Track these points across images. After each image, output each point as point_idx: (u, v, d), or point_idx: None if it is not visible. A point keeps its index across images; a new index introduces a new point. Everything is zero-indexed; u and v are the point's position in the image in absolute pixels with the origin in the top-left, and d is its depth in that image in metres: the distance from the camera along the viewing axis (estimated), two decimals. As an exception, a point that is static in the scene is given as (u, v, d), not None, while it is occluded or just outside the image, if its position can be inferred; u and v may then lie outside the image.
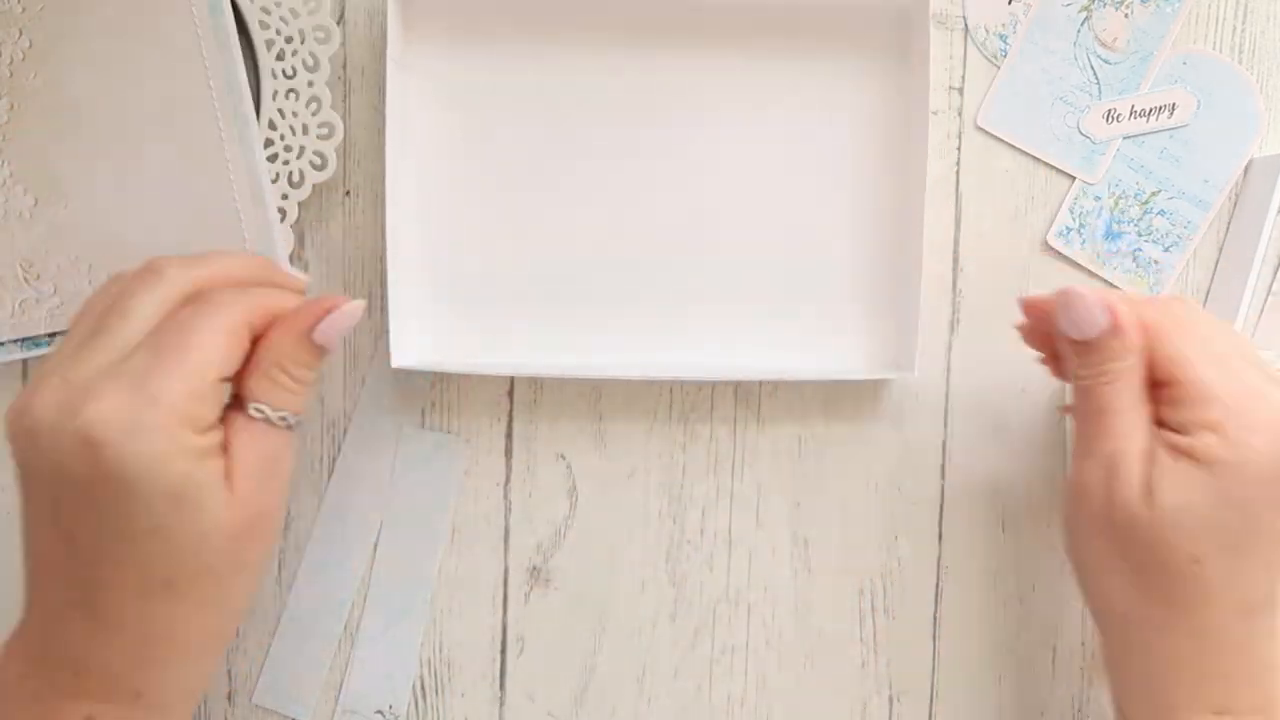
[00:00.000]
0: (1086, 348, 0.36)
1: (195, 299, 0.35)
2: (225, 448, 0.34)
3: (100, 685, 0.34)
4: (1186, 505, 0.34)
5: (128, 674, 0.34)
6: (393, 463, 0.45)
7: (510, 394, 0.45)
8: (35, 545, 0.34)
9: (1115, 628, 0.37)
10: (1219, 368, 0.34)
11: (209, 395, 0.33)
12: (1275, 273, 0.43)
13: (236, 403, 0.35)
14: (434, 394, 0.45)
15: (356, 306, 0.36)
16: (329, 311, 0.35)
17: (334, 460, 0.45)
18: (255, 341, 0.35)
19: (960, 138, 0.45)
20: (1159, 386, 0.35)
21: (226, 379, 0.34)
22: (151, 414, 0.32)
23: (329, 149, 0.43)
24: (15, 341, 0.42)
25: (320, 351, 0.36)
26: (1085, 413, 0.36)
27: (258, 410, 0.34)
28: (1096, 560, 0.36)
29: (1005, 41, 0.44)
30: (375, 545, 0.45)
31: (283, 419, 0.35)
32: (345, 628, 0.45)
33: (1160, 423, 0.35)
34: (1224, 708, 0.35)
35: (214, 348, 0.33)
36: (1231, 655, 0.35)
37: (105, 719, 0.34)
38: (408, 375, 0.44)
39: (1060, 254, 0.45)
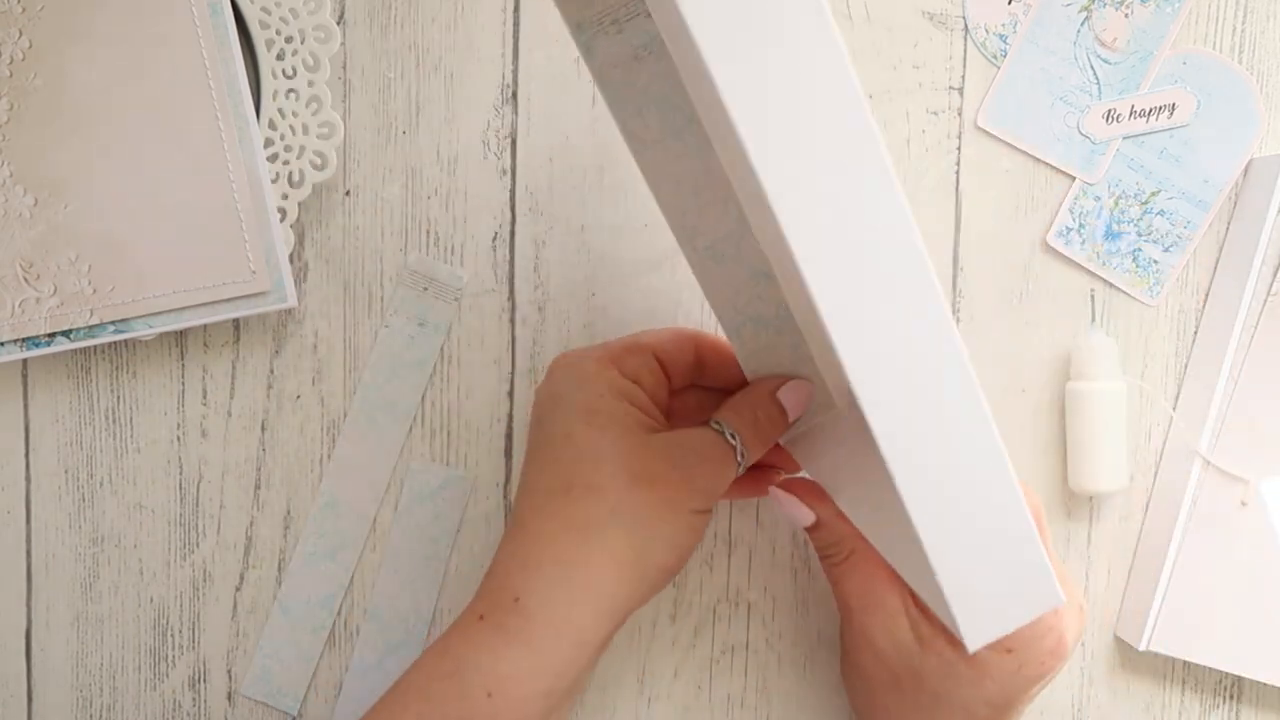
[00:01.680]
0: (809, 535, 0.40)
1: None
2: (668, 428, 0.38)
3: (493, 584, 0.36)
4: (948, 688, 0.37)
5: (514, 574, 0.35)
6: (396, 495, 0.45)
7: (510, 394, 0.45)
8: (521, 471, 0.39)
9: None
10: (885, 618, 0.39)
11: (640, 357, 0.38)
12: (1275, 273, 0.43)
13: (703, 423, 0.38)
14: (434, 392, 0.45)
15: (810, 388, 0.39)
16: (791, 383, 0.39)
17: (331, 459, 0.45)
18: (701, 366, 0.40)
19: (960, 138, 0.45)
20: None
21: (661, 362, 0.39)
22: (593, 353, 0.38)
23: (329, 149, 0.43)
24: (15, 341, 0.42)
25: (783, 411, 0.39)
26: (837, 598, 0.41)
27: (717, 424, 0.38)
28: (867, 698, 0.41)
29: (1005, 41, 0.44)
30: (374, 549, 0.45)
31: (733, 437, 0.37)
32: (334, 627, 0.45)
33: None
34: None
35: (657, 336, 0.39)
36: None
37: (491, 617, 0.35)
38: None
39: (1060, 254, 0.45)
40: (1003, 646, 0.36)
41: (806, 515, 0.39)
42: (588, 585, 0.35)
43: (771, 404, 0.38)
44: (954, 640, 0.36)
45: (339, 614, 0.45)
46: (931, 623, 0.37)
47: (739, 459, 0.37)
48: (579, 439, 0.36)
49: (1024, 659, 0.36)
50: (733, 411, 0.38)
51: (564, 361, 0.38)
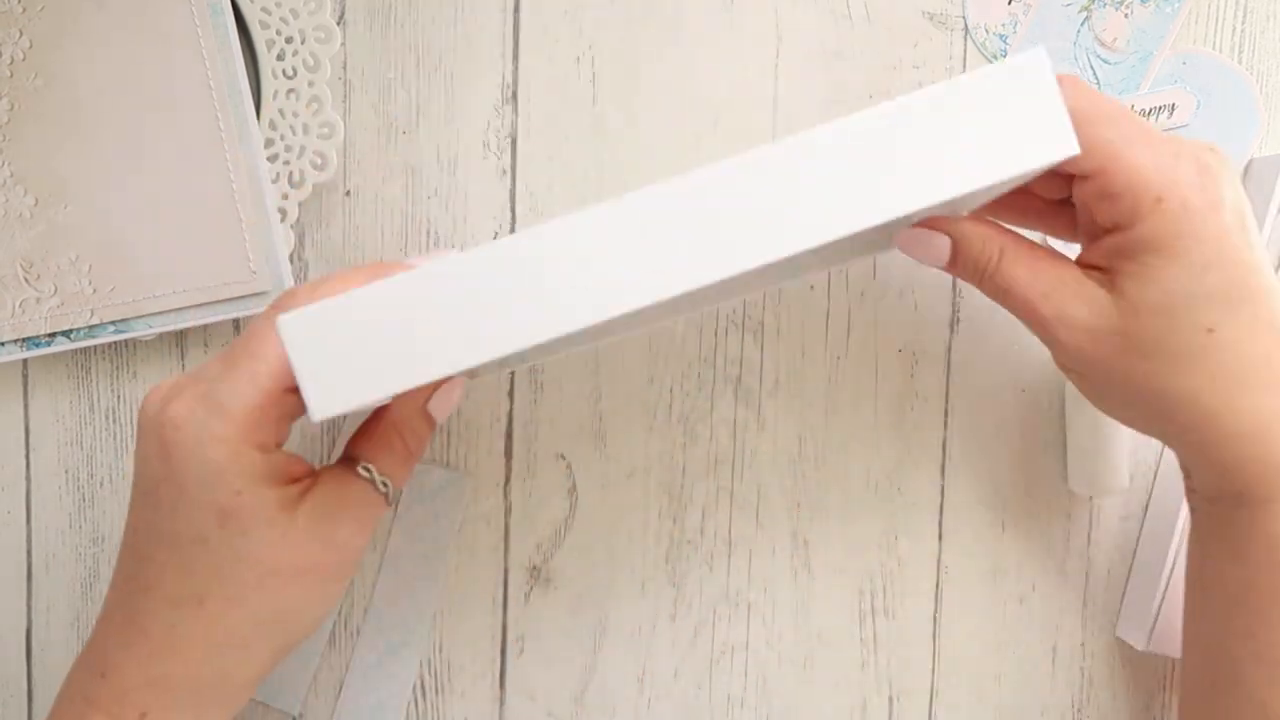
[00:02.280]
0: (952, 264, 0.36)
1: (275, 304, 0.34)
2: (309, 488, 0.34)
3: (113, 696, 0.33)
4: (1170, 292, 0.33)
5: (139, 690, 0.33)
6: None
7: (510, 394, 0.45)
8: (123, 536, 0.35)
9: (1195, 454, 0.36)
10: (1142, 146, 0.33)
11: (275, 408, 0.33)
12: (1275, 273, 0.43)
13: (345, 461, 0.36)
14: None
15: (461, 384, 0.37)
16: (443, 384, 0.36)
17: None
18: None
19: (960, 138, 0.45)
20: (1086, 180, 0.34)
21: (294, 390, 0.33)
22: (218, 423, 0.32)
23: (329, 149, 0.43)
24: (15, 341, 0.42)
25: (433, 424, 0.37)
26: (1014, 306, 0.36)
27: (365, 469, 0.35)
28: (1115, 389, 0.35)
29: (1005, 41, 0.44)
30: (377, 565, 0.45)
31: (384, 484, 0.35)
32: (334, 628, 0.45)
33: (1105, 232, 0.34)
34: None
35: (281, 357, 0.32)
36: None
37: None
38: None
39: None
40: (1151, 200, 0.33)
41: (942, 243, 0.36)
42: (224, 700, 0.34)
43: (421, 421, 0.36)
44: (1134, 243, 0.33)
45: (339, 614, 0.45)
46: (1122, 253, 0.34)
47: (389, 499, 0.36)
48: (215, 546, 0.32)
49: (1183, 195, 0.33)
50: (381, 448, 0.36)
51: (178, 437, 0.32)
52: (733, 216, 0.30)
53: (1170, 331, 0.33)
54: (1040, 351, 0.45)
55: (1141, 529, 0.45)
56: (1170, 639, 0.43)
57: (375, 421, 0.36)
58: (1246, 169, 0.44)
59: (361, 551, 0.35)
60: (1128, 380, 0.35)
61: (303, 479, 0.35)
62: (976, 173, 0.30)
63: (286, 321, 0.30)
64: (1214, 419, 0.34)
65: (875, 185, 0.30)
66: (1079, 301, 0.34)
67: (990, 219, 0.37)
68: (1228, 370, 0.34)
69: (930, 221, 0.36)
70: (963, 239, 0.36)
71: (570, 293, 0.30)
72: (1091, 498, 0.45)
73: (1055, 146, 0.30)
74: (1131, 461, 0.45)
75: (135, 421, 0.45)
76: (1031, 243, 0.36)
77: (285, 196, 0.43)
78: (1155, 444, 0.45)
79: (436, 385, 0.36)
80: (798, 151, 0.30)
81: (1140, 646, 0.43)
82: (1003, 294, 0.36)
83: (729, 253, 0.30)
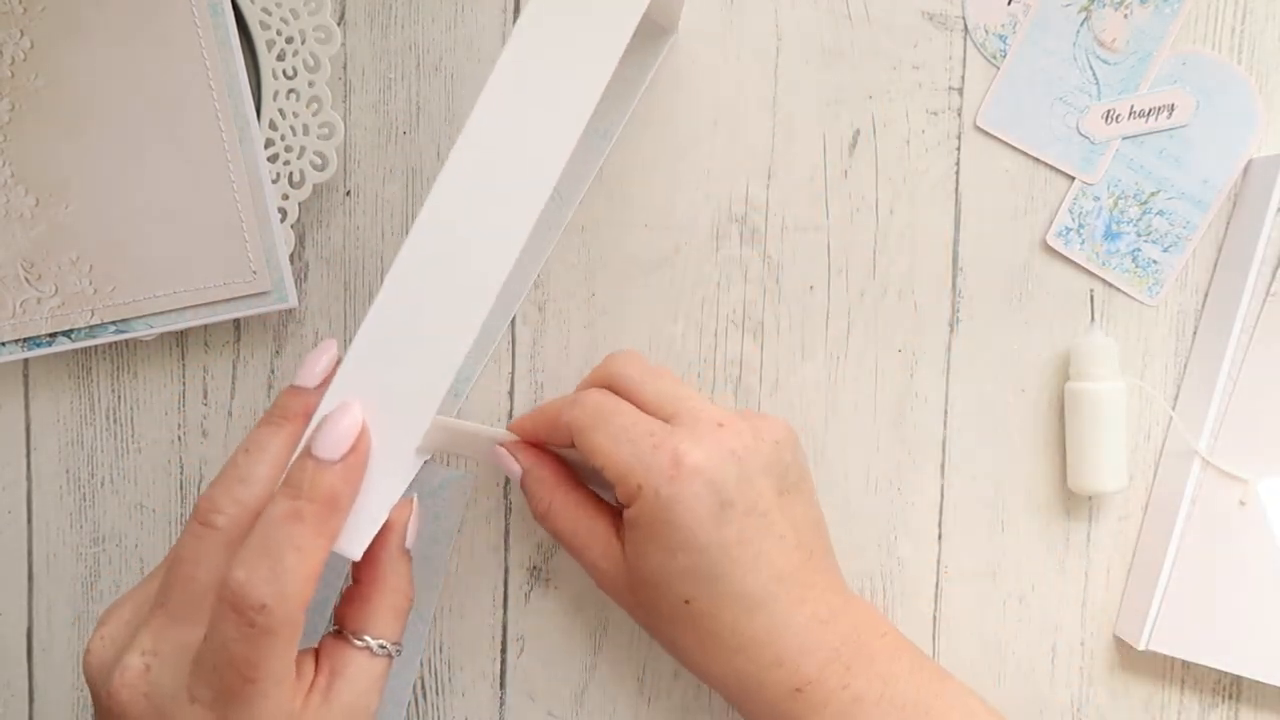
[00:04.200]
0: (520, 485, 0.40)
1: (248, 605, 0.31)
2: (324, 683, 0.34)
3: None
4: (651, 569, 0.37)
5: None
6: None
7: (511, 393, 0.45)
8: None
9: (692, 668, 0.39)
10: (625, 442, 0.36)
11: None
12: (1275, 273, 0.43)
13: (344, 637, 0.35)
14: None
15: (413, 502, 0.37)
16: (408, 518, 0.37)
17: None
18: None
19: (960, 138, 0.45)
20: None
21: None
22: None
23: (329, 149, 0.43)
24: (16, 341, 0.42)
25: (410, 558, 0.37)
26: (552, 533, 0.40)
27: (381, 646, 0.35)
28: (651, 630, 0.39)
29: (1005, 42, 0.44)
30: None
31: (383, 647, 0.35)
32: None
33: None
34: (798, 684, 0.37)
35: (285, 678, 0.32)
36: (767, 648, 0.37)
37: None
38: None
39: (1060, 254, 0.45)
40: (634, 489, 0.36)
41: (515, 469, 0.40)
42: None
43: (401, 563, 0.37)
44: (627, 522, 0.37)
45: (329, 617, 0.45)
46: (625, 526, 0.38)
47: (393, 654, 0.36)
48: None
49: (655, 486, 0.36)
50: (371, 612, 0.36)
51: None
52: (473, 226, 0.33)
53: (657, 599, 0.37)
54: (1040, 351, 0.45)
55: (1141, 529, 0.45)
56: (1170, 638, 0.43)
57: (366, 587, 0.36)
58: (1246, 169, 0.44)
59: (377, 706, 0.36)
60: (640, 622, 0.39)
61: (315, 678, 0.34)
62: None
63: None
64: (705, 675, 0.38)
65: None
66: (604, 558, 0.38)
67: (558, 462, 0.40)
68: (705, 636, 0.37)
69: (513, 446, 0.40)
70: (527, 477, 0.40)
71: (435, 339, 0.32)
72: (1091, 498, 0.45)
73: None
74: (1131, 461, 0.45)
75: (136, 421, 0.45)
76: (579, 496, 0.40)
77: (285, 196, 0.43)
78: (1155, 444, 0.45)
79: (404, 523, 0.37)
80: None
81: (1140, 646, 0.43)
82: (553, 532, 0.40)
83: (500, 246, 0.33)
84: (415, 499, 0.38)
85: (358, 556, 0.33)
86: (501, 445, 0.40)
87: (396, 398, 0.32)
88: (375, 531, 0.34)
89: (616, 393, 0.39)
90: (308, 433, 0.33)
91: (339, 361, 0.33)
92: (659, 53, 0.44)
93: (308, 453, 0.31)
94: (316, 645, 0.36)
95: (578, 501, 0.40)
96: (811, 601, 0.37)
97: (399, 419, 0.32)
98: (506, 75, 0.33)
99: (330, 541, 0.32)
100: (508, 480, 0.45)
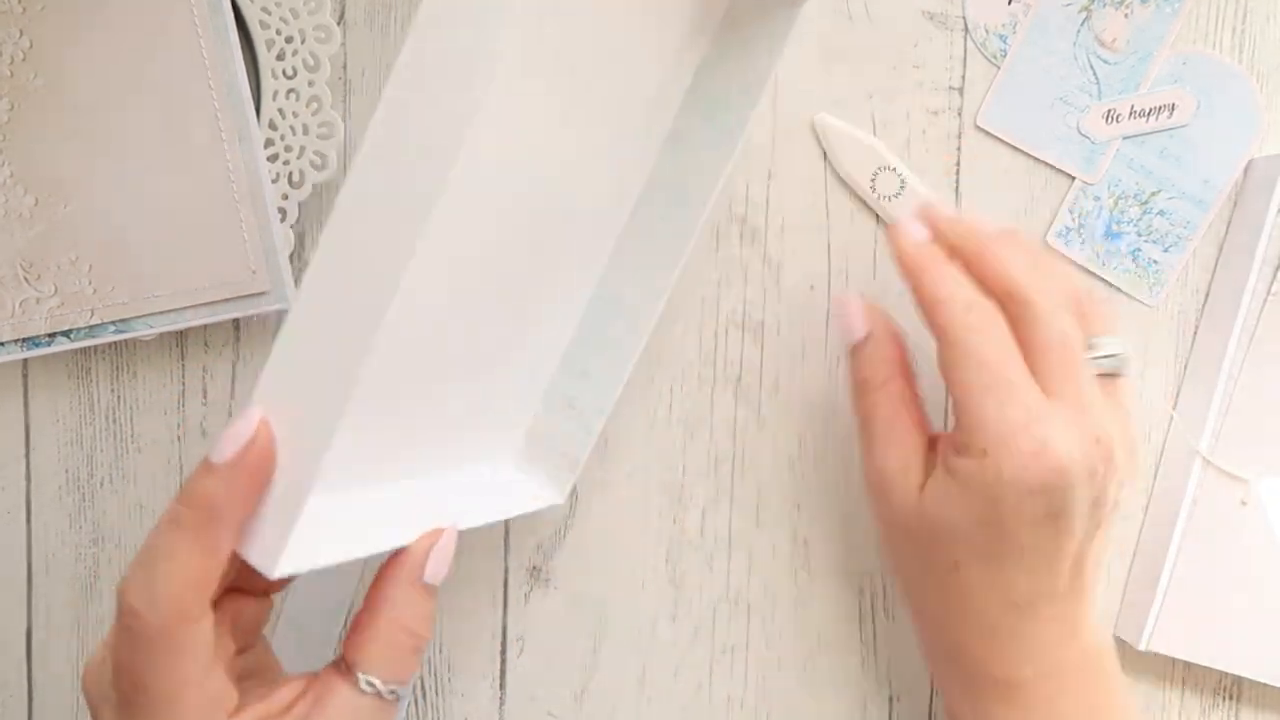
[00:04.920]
0: (851, 353, 0.39)
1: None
2: (304, 704, 0.31)
3: None
4: (947, 518, 0.36)
5: None
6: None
7: (510, 394, 0.45)
8: None
9: (914, 618, 0.40)
10: (996, 397, 0.34)
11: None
12: (1275, 273, 0.43)
13: (344, 670, 0.32)
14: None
15: (455, 531, 0.34)
16: (429, 548, 0.33)
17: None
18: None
19: (960, 138, 0.45)
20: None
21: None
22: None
23: (329, 149, 0.43)
24: (15, 341, 0.42)
25: (433, 594, 0.33)
26: (860, 419, 0.39)
27: (369, 684, 0.31)
28: (892, 558, 0.39)
29: (1005, 41, 0.44)
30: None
31: (393, 693, 0.32)
32: (339, 634, 0.45)
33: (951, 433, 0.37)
34: (1008, 679, 0.37)
35: (180, 696, 0.29)
36: (1004, 641, 0.37)
37: None
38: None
39: (1060, 254, 0.45)
40: (978, 448, 0.34)
41: (858, 328, 0.38)
42: None
43: (420, 598, 0.33)
44: (950, 466, 0.36)
45: (343, 623, 0.45)
46: (942, 463, 0.36)
47: (401, 698, 0.32)
48: None
49: (1001, 461, 0.34)
50: (382, 651, 0.32)
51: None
52: None
53: (931, 548, 0.37)
54: (1040, 351, 0.45)
55: (1141, 529, 0.45)
56: (1170, 638, 0.43)
57: (368, 616, 0.32)
58: (1246, 169, 0.44)
59: None
60: (894, 556, 0.39)
61: (294, 704, 0.31)
62: None
63: None
64: (928, 636, 0.39)
65: None
66: (901, 472, 0.37)
67: (904, 346, 0.39)
68: (947, 602, 0.37)
69: (868, 305, 0.39)
70: (871, 342, 0.38)
71: None
72: (1091, 498, 0.45)
73: None
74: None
75: (136, 421, 0.45)
76: (914, 395, 0.38)
77: (285, 196, 0.43)
78: (1155, 443, 0.45)
79: (425, 553, 0.33)
80: None
81: (1140, 646, 0.43)
82: (861, 417, 0.39)
83: None
84: (454, 529, 0.34)
85: (271, 574, 0.29)
86: (856, 301, 0.38)
87: (304, 403, 0.29)
88: (289, 548, 0.29)
89: (1012, 318, 0.36)
90: None
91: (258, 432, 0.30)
92: (784, 30, 0.39)
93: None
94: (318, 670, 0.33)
95: (908, 399, 0.38)
96: (1063, 623, 0.37)
97: (308, 426, 0.29)
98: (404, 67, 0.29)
99: (211, 551, 0.29)
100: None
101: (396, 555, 0.33)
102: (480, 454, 0.41)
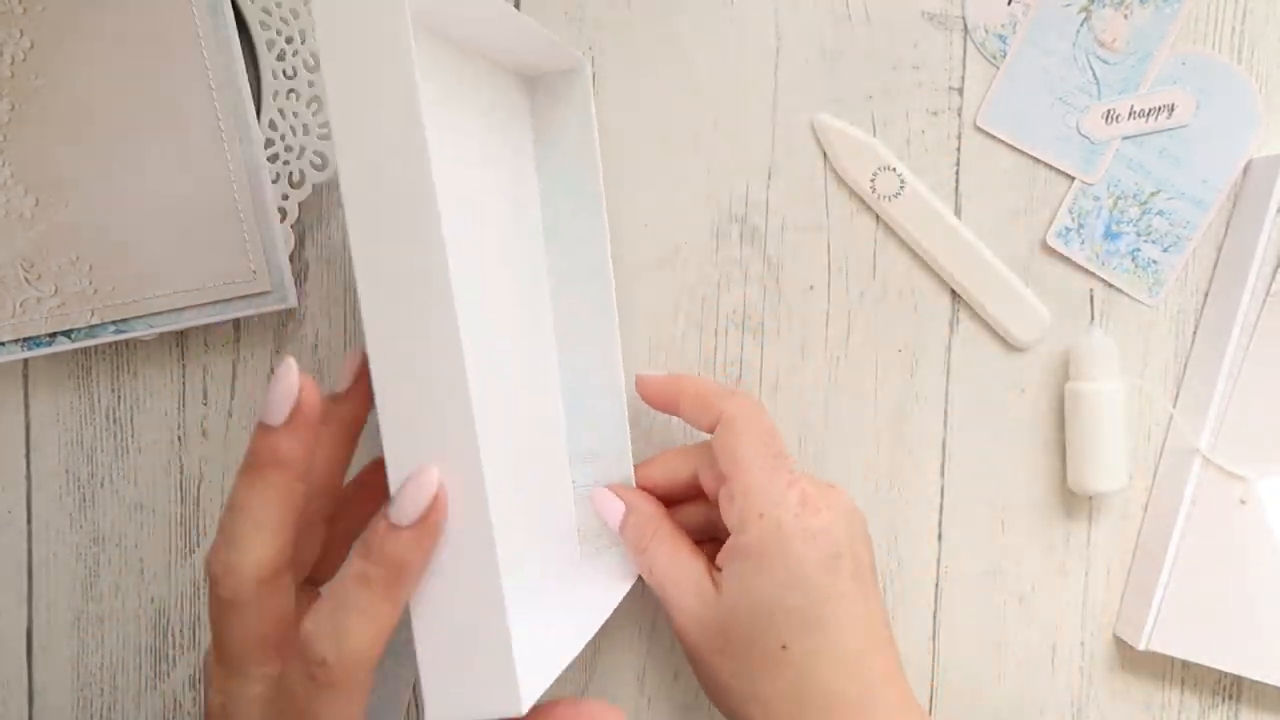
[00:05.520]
0: (619, 529, 0.41)
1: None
2: None
3: None
4: (753, 598, 0.37)
5: None
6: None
7: (510, 394, 0.45)
8: None
9: None
10: (766, 464, 0.38)
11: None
12: (1275, 273, 0.43)
13: None
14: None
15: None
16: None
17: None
18: None
19: (960, 138, 0.45)
20: (723, 481, 0.39)
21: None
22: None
23: (329, 149, 0.43)
24: (16, 341, 0.42)
25: None
26: (646, 577, 0.41)
27: None
28: (724, 678, 0.38)
29: (1004, 42, 0.44)
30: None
31: None
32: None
33: (728, 534, 0.39)
34: None
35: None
36: (857, 713, 0.37)
37: None
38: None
39: (1060, 254, 0.45)
40: (753, 512, 0.37)
41: (617, 508, 0.41)
42: None
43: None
44: (733, 553, 0.38)
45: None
46: (726, 559, 0.38)
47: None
48: None
49: (778, 517, 0.37)
50: None
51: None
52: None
53: (751, 640, 0.37)
54: (1039, 352, 0.45)
55: (1141, 529, 0.45)
56: (1170, 638, 0.43)
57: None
58: (1246, 169, 0.44)
59: None
60: (719, 673, 0.38)
61: None
62: None
63: None
64: None
65: None
66: (695, 594, 0.39)
67: (659, 503, 0.42)
68: (793, 690, 0.37)
69: (616, 487, 0.42)
70: (631, 511, 0.41)
71: None
72: (1091, 498, 0.45)
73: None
74: (1131, 461, 0.45)
75: (136, 421, 0.45)
76: (682, 536, 0.41)
77: (285, 196, 0.43)
78: (1155, 444, 0.45)
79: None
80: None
81: (1140, 646, 0.43)
82: (647, 570, 0.40)
83: None
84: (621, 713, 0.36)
85: (522, 710, 0.31)
86: (606, 487, 0.42)
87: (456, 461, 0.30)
88: (519, 676, 0.31)
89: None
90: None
91: (303, 384, 0.31)
92: (578, 96, 0.42)
93: (384, 514, 0.31)
94: None
95: (676, 538, 0.40)
96: (899, 686, 0.38)
97: (466, 483, 0.30)
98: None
99: (397, 606, 0.30)
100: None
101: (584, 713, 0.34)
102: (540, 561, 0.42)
